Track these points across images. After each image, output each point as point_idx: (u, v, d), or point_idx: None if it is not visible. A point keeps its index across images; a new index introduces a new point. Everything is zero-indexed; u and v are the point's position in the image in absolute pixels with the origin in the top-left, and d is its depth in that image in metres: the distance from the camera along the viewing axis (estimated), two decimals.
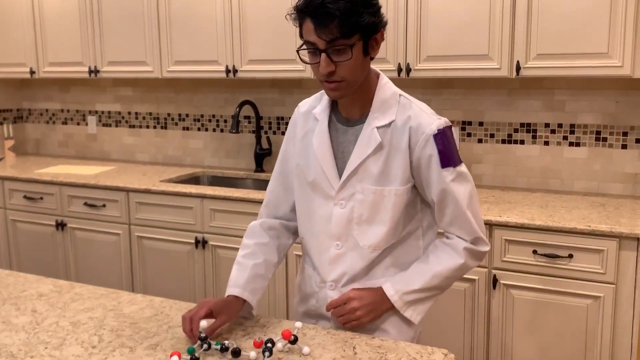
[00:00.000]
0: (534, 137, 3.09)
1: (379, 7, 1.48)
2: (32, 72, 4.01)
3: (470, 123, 3.21)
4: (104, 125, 4.29)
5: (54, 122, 4.50)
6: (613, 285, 2.40)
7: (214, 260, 3.18)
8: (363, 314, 1.57)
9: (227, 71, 3.36)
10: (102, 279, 3.45)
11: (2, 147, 4.33)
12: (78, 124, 4.40)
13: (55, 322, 1.61)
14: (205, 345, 1.42)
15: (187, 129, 3.98)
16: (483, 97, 3.17)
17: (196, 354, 1.38)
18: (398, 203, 1.56)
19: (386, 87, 1.58)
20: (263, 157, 3.67)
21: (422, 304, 1.62)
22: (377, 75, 1.60)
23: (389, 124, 1.55)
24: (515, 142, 3.13)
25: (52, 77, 4.01)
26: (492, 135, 3.17)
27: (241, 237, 1.78)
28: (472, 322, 2.65)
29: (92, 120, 4.33)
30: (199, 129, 3.94)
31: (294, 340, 1.43)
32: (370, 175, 1.56)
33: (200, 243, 3.19)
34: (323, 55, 1.44)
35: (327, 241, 1.63)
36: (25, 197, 3.69)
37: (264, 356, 1.37)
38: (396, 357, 1.39)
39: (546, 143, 3.07)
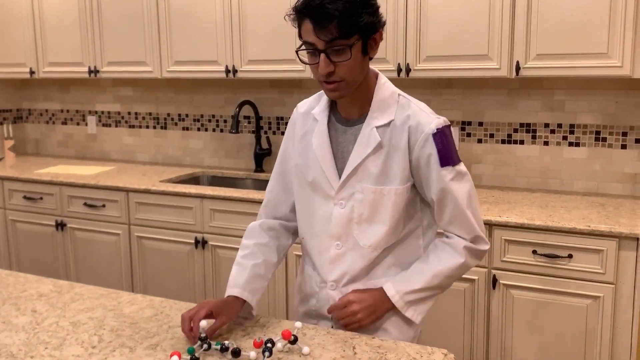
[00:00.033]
0: (534, 137, 3.09)
1: (378, 7, 1.48)
2: (31, 72, 4.01)
3: (469, 123, 3.21)
4: (103, 125, 4.30)
5: (53, 122, 4.50)
6: (612, 285, 2.40)
7: (214, 260, 3.18)
8: (364, 316, 1.58)
9: (227, 71, 3.36)
10: (102, 279, 3.45)
11: (2, 147, 4.33)
12: (78, 124, 4.40)
13: (55, 322, 1.61)
14: (205, 346, 1.42)
15: (187, 129, 3.99)
16: (483, 97, 3.17)
17: (196, 354, 1.38)
18: (398, 202, 1.56)
19: (385, 87, 1.59)
20: (263, 157, 3.67)
21: (423, 303, 1.62)
22: (376, 75, 1.60)
23: (388, 124, 1.55)
24: (515, 142, 3.13)
25: (52, 77, 4.01)
26: (491, 136, 3.18)
27: (241, 237, 1.78)
28: (471, 322, 2.65)
29: (92, 120, 4.33)
30: (198, 129, 3.95)
31: (294, 341, 1.43)
32: (370, 175, 1.56)
33: (200, 243, 3.19)
34: (322, 55, 1.44)
35: (327, 241, 1.63)
36: (25, 197, 3.69)
37: (264, 356, 1.37)
38: (396, 357, 1.39)
39: (546, 143, 3.07)
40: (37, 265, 3.70)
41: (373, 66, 1.61)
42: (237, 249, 1.75)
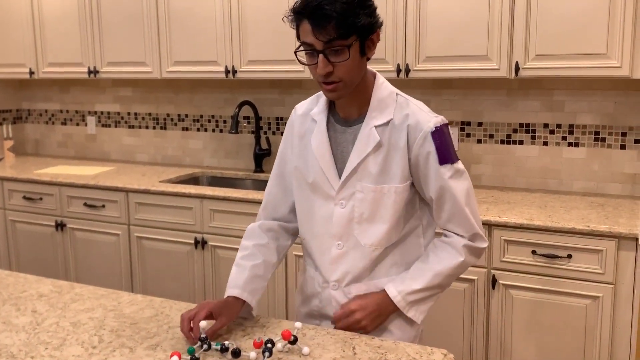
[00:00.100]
0: (533, 137, 3.09)
1: (375, 8, 1.49)
2: (31, 73, 4.02)
3: (469, 123, 3.21)
4: (103, 125, 4.30)
5: (53, 123, 4.50)
6: (612, 286, 2.40)
7: (214, 260, 3.18)
8: (368, 323, 1.59)
9: (227, 72, 3.37)
10: (101, 279, 3.45)
11: (2, 148, 4.33)
12: (77, 124, 4.40)
13: (55, 323, 1.61)
14: (205, 346, 1.42)
15: (187, 129, 3.99)
16: (482, 97, 3.17)
17: (196, 354, 1.38)
18: (398, 201, 1.57)
19: (383, 87, 1.60)
20: (262, 157, 3.68)
21: (424, 303, 1.63)
22: (374, 75, 1.61)
23: (387, 123, 1.56)
24: (515, 142, 3.13)
25: (51, 77, 4.01)
26: (491, 136, 3.18)
27: (241, 237, 1.78)
28: (471, 322, 2.66)
29: (91, 120, 4.33)
30: (198, 130, 3.95)
31: (294, 341, 1.44)
32: (370, 174, 1.57)
33: (200, 243, 3.19)
34: (321, 56, 1.45)
35: (328, 241, 1.63)
36: (24, 197, 3.69)
37: (264, 356, 1.38)
38: (396, 357, 1.40)
39: (545, 143, 3.07)
40: (37, 265, 3.70)
41: (373, 67, 1.62)
42: (236, 249, 1.76)
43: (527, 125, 3.09)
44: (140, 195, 3.33)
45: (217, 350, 1.42)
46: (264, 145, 3.70)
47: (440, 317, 2.63)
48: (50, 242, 3.65)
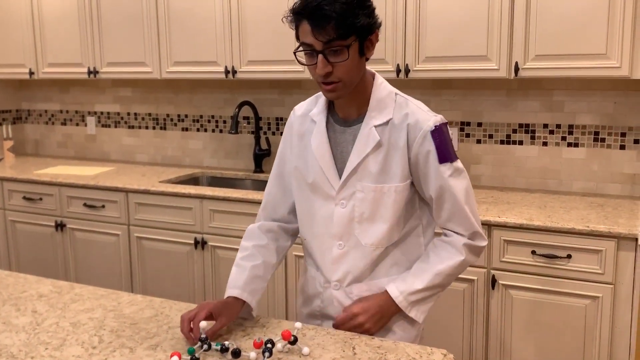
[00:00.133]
0: (533, 137, 3.09)
1: (374, 9, 1.50)
2: (31, 73, 4.02)
3: (469, 124, 3.21)
4: (103, 126, 4.30)
5: (53, 123, 4.50)
6: (611, 286, 2.40)
7: (214, 260, 3.18)
8: (371, 325, 1.59)
9: (227, 72, 3.37)
10: (101, 279, 3.45)
11: (2, 148, 4.33)
12: (77, 124, 4.40)
13: (55, 323, 1.61)
14: (205, 346, 1.42)
15: (186, 129, 3.99)
16: (482, 97, 3.17)
17: (196, 355, 1.38)
18: (398, 200, 1.57)
19: (382, 87, 1.60)
20: (262, 157, 3.68)
21: (425, 303, 1.63)
22: (373, 76, 1.62)
23: (387, 122, 1.57)
24: (514, 142, 3.13)
25: (51, 77, 4.01)
26: (490, 136, 3.18)
27: (240, 237, 1.79)
28: (471, 322, 2.66)
29: (91, 121, 4.33)
30: (198, 130, 3.95)
31: (294, 341, 1.44)
32: (370, 174, 1.57)
33: (200, 243, 3.19)
34: (320, 56, 1.45)
35: (329, 241, 1.63)
36: (24, 197, 3.69)
37: (264, 357, 1.38)
38: (395, 357, 1.40)
39: (545, 144, 3.07)
40: (36, 265, 3.70)
41: (372, 67, 1.62)
42: (236, 250, 1.76)
43: (527, 125, 3.09)
44: (140, 196, 3.33)
45: (217, 350, 1.42)
46: (264, 146, 3.70)
47: (440, 317, 2.63)
48: (50, 242, 3.65)
